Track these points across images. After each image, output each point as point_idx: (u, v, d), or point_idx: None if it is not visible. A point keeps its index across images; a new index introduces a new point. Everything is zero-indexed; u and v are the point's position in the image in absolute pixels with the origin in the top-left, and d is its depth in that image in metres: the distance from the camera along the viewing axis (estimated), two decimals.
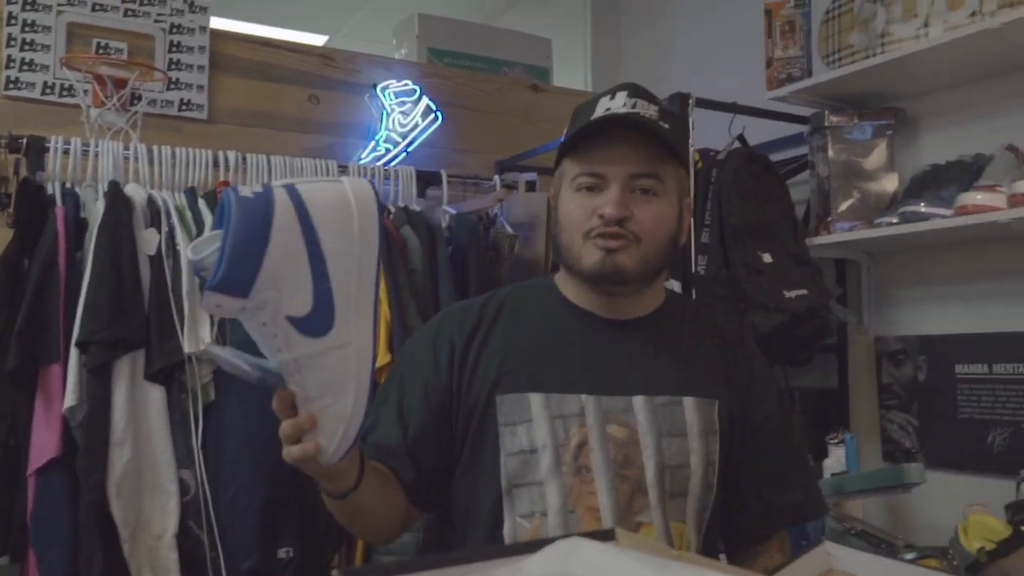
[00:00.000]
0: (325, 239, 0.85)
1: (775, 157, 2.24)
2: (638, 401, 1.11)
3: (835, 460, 2.00)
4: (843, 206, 2.07)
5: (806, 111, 2.18)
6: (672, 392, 1.13)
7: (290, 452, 0.93)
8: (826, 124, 2.09)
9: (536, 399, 1.10)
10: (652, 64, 3.04)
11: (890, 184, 2.09)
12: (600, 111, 1.11)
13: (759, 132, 2.27)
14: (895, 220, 1.90)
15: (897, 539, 1.70)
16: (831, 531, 1.80)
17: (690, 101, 2.01)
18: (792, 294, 1.90)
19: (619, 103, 1.10)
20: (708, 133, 2.11)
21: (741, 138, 2.17)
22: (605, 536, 0.77)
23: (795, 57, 2.14)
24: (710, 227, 1.95)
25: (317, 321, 0.86)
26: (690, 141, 1.99)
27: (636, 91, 1.12)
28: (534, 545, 0.70)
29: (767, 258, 1.94)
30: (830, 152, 2.09)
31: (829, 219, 2.07)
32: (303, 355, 0.87)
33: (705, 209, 1.96)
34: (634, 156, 1.09)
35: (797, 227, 2.07)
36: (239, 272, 0.81)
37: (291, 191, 0.85)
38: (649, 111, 1.10)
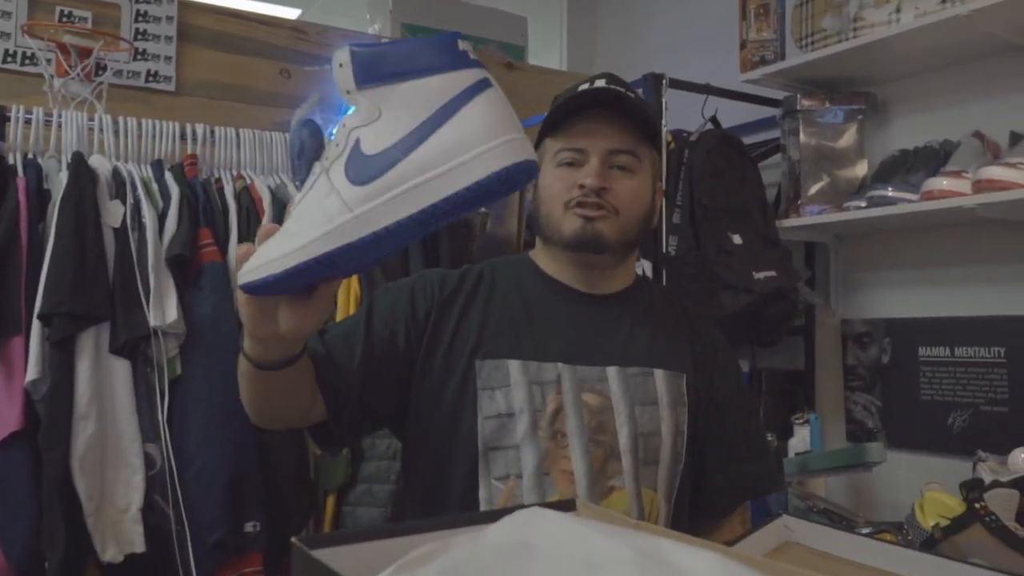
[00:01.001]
0: (444, 136, 0.69)
1: (747, 140, 2.25)
2: (611, 371, 1.15)
3: (800, 440, 2.03)
4: (813, 189, 2.10)
5: (779, 94, 2.19)
6: (643, 364, 1.17)
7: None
8: (798, 108, 2.10)
9: (515, 365, 1.13)
10: (627, 44, 3.04)
11: (860, 168, 2.12)
12: (581, 91, 1.17)
13: (732, 114, 2.29)
14: (863, 204, 1.93)
15: (858, 516, 1.73)
16: (794, 508, 1.83)
17: (664, 82, 2.02)
18: (761, 275, 1.92)
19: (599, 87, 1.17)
20: (681, 114, 2.12)
21: (714, 120, 2.18)
22: (565, 507, 0.77)
23: (769, 40, 2.15)
24: (681, 208, 1.97)
25: (362, 170, 0.70)
26: (663, 122, 2.01)
27: (614, 79, 1.19)
28: (493, 515, 0.70)
29: (737, 239, 1.96)
30: (801, 136, 2.11)
31: (799, 202, 2.10)
32: (322, 182, 0.73)
33: (677, 190, 1.97)
34: (613, 133, 1.15)
35: (767, 209, 2.09)
36: (385, 67, 0.70)
37: (497, 98, 0.71)
38: (628, 94, 1.16)
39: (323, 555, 0.61)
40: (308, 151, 0.75)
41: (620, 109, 1.15)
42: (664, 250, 1.96)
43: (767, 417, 2.18)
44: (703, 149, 2.01)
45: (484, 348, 1.14)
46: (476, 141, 0.67)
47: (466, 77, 0.69)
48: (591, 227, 1.14)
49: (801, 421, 2.05)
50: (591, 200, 1.13)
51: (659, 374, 1.17)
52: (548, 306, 1.19)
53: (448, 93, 0.69)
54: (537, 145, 1.21)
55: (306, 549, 0.62)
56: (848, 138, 2.13)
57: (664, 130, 2.02)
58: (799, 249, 2.25)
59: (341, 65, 0.71)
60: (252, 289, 0.77)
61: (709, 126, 2.16)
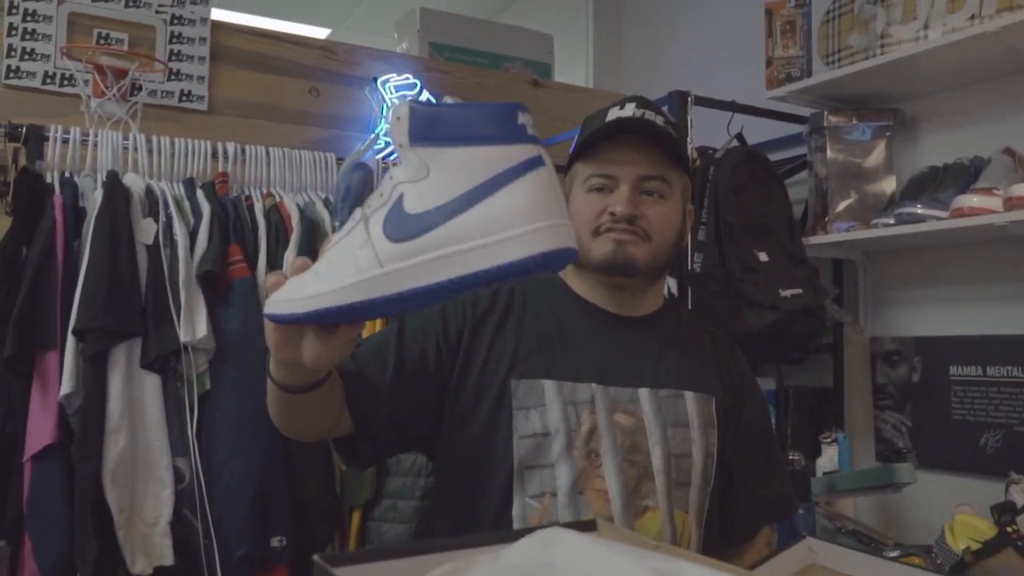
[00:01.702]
0: (487, 209, 0.68)
1: (773, 156, 2.24)
2: (643, 393, 1.16)
3: (828, 459, 2.00)
4: (841, 206, 2.08)
5: (805, 111, 2.18)
6: (674, 386, 1.18)
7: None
8: (825, 124, 2.09)
9: (550, 385, 1.14)
10: (653, 61, 3.04)
11: (888, 185, 2.10)
12: (611, 119, 1.18)
13: (758, 131, 2.28)
14: (891, 221, 1.91)
15: (887, 538, 1.71)
16: (822, 529, 1.80)
17: (689, 99, 2.02)
18: (787, 293, 1.90)
19: (628, 112, 1.17)
20: (706, 131, 2.12)
21: (740, 137, 2.17)
22: (586, 527, 0.77)
23: (795, 57, 2.15)
24: (706, 225, 1.96)
25: (400, 227, 0.70)
26: (688, 139, 2.01)
27: (644, 103, 1.19)
28: (514, 535, 0.70)
29: (763, 256, 1.95)
30: (828, 152, 2.10)
31: (826, 219, 2.08)
32: (359, 230, 0.73)
33: (702, 207, 1.97)
34: (643, 159, 1.16)
35: (794, 226, 2.07)
36: (441, 129, 0.69)
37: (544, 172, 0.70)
38: (656, 120, 1.17)
39: (344, 573, 0.62)
40: (353, 195, 0.76)
41: (649, 135, 1.16)
42: (689, 267, 1.96)
43: (794, 436, 2.16)
44: (728, 166, 2.00)
45: (519, 368, 1.14)
46: (519, 220, 0.66)
47: (519, 152, 0.68)
48: (623, 251, 1.15)
49: (829, 440, 2.03)
50: (621, 226, 1.15)
51: (689, 396, 1.18)
52: (580, 327, 1.19)
53: (498, 166, 0.68)
54: (567, 168, 1.22)
55: (328, 567, 0.63)
56: (876, 155, 2.11)
57: (689, 147, 2.02)
58: (827, 266, 2.23)
59: (399, 119, 0.70)
60: (277, 320, 0.79)
61: (735, 143, 2.15)
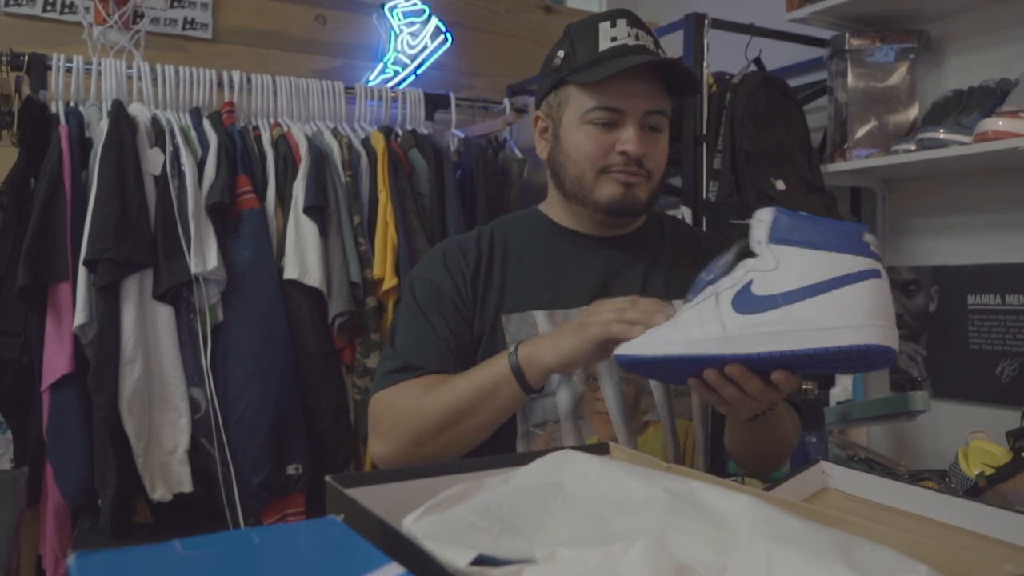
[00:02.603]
0: (826, 300, 0.80)
1: (792, 82, 2.17)
2: None
3: (841, 389, 2.00)
4: (860, 132, 2.02)
5: (826, 34, 2.11)
6: (662, 296, 1.15)
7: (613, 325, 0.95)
8: (846, 47, 2.02)
9: (540, 315, 1.14)
10: None
11: (911, 111, 2.03)
12: (605, 40, 1.13)
13: (777, 56, 2.21)
14: (912, 147, 1.86)
15: (900, 465, 1.71)
16: (835, 457, 1.81)
17: (706, 22, 1.95)
18: None
19: (623, 32, 1.13)
20: (724, 56, 2.05)
21: (757, 61, 2.11)
22: (599, 450, 0.77)
23: None
24: (722, 152, 1.92)
25: (746, 304, 0.84)
26: (705, 64, 1.95)
27: (635, 21, 1.15)
28: (525, 457, 0.70)
29: (780, 185, 1.91)
30: (849, 77, 2.03)
31: (846, 146, 2.03)
32: (710, 303, 0.87)
33: (718, 134, 1.92)
34: (648, 92, 1.14)
35: (812, 154, 2.02)
36: (798, 235, 0.82)
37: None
38: (649, 43, 1.14)
39: (357, 494, 0.62)
40: (715, 277, 0.89)
41: (656, 67, 1.12)
42: (704, 196, 1.93)
43: None
44: (745, 92, 1.94)
45: (508, 303, 1.15)
46: (851, 314, 0.78)
47: (861, 263, 0.80)
48: (631, 194, 1.14)
49: None
50: (632, 169, 1.12)
51: (677, 304, 1.14)
52: (565, 255, 1.19)
53: (841, 270, 0.80)
54: (555, 87, 1.17)
55: (340, 487, 0.63)
56: (899, 78, 2.04)
57: (706, 72, 1.96)
58: (844, 195, 2.19)
59: (761, 221, 0.84)
60: (630, 362, 0.92)
61: (752, 68, 2.09)
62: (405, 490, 0.66)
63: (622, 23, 1.14)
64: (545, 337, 1.03)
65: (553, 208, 1.24)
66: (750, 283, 0.84)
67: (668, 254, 1.23)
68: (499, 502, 0.60)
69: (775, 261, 0.82)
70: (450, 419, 1.05)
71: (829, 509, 0.70)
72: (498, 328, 1.14)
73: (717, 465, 1.27)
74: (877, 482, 0.85)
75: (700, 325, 0.86)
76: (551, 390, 1.13)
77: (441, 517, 0.58)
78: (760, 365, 0.84)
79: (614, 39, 1.12)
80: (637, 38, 1.13)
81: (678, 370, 0.92)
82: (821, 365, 0.83)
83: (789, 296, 0.81)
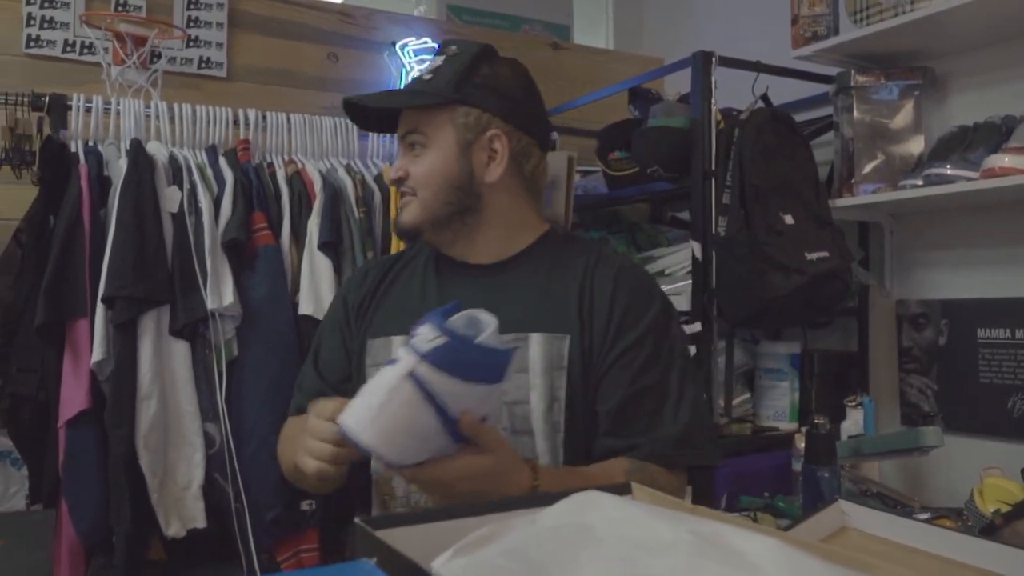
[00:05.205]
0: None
1: (799, 117, 2.20)
2: None
3: (853, 423, 2.00)
4: (867, 168, 2.05)
5: (832, 70, 2.14)
6: (520, 330, 1.11)
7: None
8: (852, 84, 2.05)
9: (397, 341, 1.16)
10: (674, 21, 2.99)
11: (916, 146, 2.06)
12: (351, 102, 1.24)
13: (782, 91, 2.24)
14: (920, 183, 1.88)
15: (913, 501, 1.70)
16: (847, 492, 1.80)
17: (713, 60, 1.98)
18: (813, 256, 1.88)
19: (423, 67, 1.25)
20: (731, 93, 2.08)
21: (764, 98, 2.14)
22: (621, 490, 0.78)
23: (821, 15, 2.10)
24: (731, 188, 1.94)
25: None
26: (712, 101, 1.97)
27: (440, 50, 1.21)
28: (549, 498, 0.71)
29: (789, 219, 1.92)
30: (855, 112, 2.06)
31: (853, 181, 2.05)
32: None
33: (727, 170, 1.94)
34: (405, 116, 1.19)
35: (820, 188, 2.04)
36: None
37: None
38: (436, 63, 1.19)
39: (387, 536, 0.63)
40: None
41: (391, 102, 1.22)
42: (713, 231, 1.94)
43: (818, 399, 2.15)
44: (753, 128, 1.97)
45: (374, 328, 1.20)
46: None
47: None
48: (399, 219, 1.20)
49: (854, 404, 2.02)
50: (401, 191, 1.20)
51: (535, 338, 1.11)
52: (430, 281, 1.21)
53: None
54: None
55: (370, 530, 0.64)
56: (904, 115, 2.07)
57: (713, 109, 1.99)
58: (851, 229, 2.20)
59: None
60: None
61: (759, 104, 2.12)
62: (433, 532, 0.67)
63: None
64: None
65: None
66: None
67: (547, 280, 1.17)
68: (527, 544, 0.61)
69: None
70: (291, 476, 1.17)
71: (851, 551, 0.70)
72: (363, 353, 1.19)
73: None
74: (895, 521, 0.85)
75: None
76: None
77: (470, 559, 0.58)
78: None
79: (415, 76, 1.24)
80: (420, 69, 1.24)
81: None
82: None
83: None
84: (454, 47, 1.19)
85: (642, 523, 0.63)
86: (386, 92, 1.20)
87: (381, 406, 0.86)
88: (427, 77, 1.18)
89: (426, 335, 0.86)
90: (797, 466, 1.90)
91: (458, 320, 0.92)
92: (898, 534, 0.84)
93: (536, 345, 1.11)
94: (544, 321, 1.13)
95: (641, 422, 1.11)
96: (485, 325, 0.92)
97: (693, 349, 1.96)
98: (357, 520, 0.65)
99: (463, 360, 0.87)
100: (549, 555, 0.59)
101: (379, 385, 0.88)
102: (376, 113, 1.23)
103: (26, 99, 1.79)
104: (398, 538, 0.63)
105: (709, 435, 1.18)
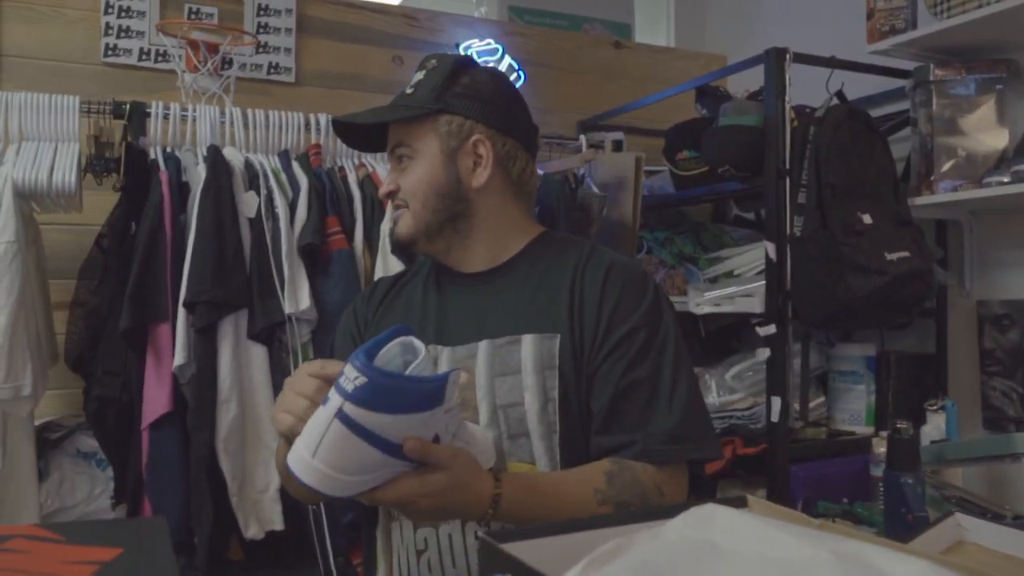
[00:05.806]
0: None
1: (873, 112, 2.15)
2: (482, 345, 1.13)
3: (934, 427, 1.94)
4: (946, 165, 1.99)
5: (909, 65, 2.08)
6: (513, 332, 1.12)
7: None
8: (931, 78, 1.99)
9: None
10: (739, 18, 2.94)
11: (998, 141, 1.99)
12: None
13: (857, 87, 2.18)
14: (1006, 179, 1.82)
15: (1004, 508, 1.65)
16: (930, 499, 1.75)
17: (787, 56, 1.94)
18: (894, 256, 1.83)
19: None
20: (805, 89, 2.04)
21: (840, 94, 2.09)
22: (737, 503, 0.76)
23: (899, 8, 2.04)
24: (807, 187, 1.89)
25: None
26: (787, 98, 1.93)
27: (422, 65, 1.21)
28: (669, 511, 0.70)
29: (867, 219, 1.87)
30: (934, 107, 2.00)
31: (932, 178, 1.99)
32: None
33: (802, 168, 1.90)
34: (393, 131, 1.20)
35: (898, 186, 1.99)
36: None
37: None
38: (417, 77, 1.19)
39: (513, 549, 0.62)
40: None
41: (375, 117, 1.21)
42: (789, 231, 1.90)
43: (895, 402, 2.09)
44: (830, 126, 1.92)
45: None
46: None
47: None
48: (394, 232, 1.21)
49: (936, 408, 1.96)
50: (394, 204, 1.21)
51: (527, 339, 1.11)
52: (428, 291, 1.22)
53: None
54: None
55: (495, 543, 0.63)
56: (985, 109, 2.00)
57: (787, 106, 1.95)
58: (929, 227, 2.14)
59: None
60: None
61: (835, 101, 2.07)
62: (558, 544, 0.66)
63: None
64: None
65: None
66: None
67: (539, 282, 1.16)
68: (655, 559, 0.60)
69: None
70: (284, 479, 1.17)
71: (982, 567, 0.68)
72: None
73: None
74: (1013, 535, 0.82)
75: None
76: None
77: (600, 574, 0.57)
78: None
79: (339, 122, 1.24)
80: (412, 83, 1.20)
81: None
82: None
83: None
84: (433, 60, 1.20)
85: (775, 540, 0.61)
86: (371, 109, 1.19)
87: (318, 447, 0.86)
88: (409, 91, 1.19)
89: (349, 374, 0.84)
90: (876, 471, 1.85)
91: (393, 348, 0.91)
92: (1018, 548, 0.81)
93: (527, 346, 1.11)
94: (535, 322, 1.13)
95: (633, 417, 1.09)
96: (418, 352, 0.91)
97: (767, 352, 1.92)
98: (480, 534, 0.64)
99: (389, 394, 0.85)
100: (679, 571, 0.58)
101: (314, 426, 0.87)
102: (365, 132, 1.24)
103: (108, 108, 1.83)
104: (523, 551, 0.62)
105: (706, 428, 1.14)
